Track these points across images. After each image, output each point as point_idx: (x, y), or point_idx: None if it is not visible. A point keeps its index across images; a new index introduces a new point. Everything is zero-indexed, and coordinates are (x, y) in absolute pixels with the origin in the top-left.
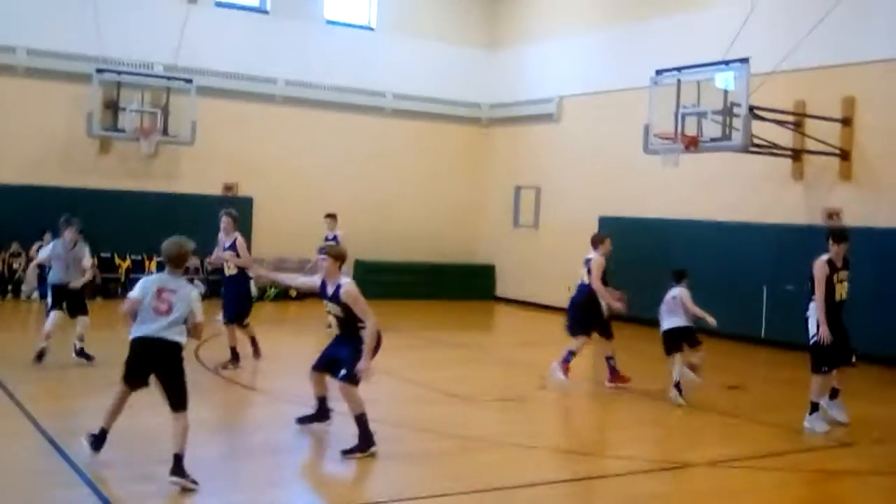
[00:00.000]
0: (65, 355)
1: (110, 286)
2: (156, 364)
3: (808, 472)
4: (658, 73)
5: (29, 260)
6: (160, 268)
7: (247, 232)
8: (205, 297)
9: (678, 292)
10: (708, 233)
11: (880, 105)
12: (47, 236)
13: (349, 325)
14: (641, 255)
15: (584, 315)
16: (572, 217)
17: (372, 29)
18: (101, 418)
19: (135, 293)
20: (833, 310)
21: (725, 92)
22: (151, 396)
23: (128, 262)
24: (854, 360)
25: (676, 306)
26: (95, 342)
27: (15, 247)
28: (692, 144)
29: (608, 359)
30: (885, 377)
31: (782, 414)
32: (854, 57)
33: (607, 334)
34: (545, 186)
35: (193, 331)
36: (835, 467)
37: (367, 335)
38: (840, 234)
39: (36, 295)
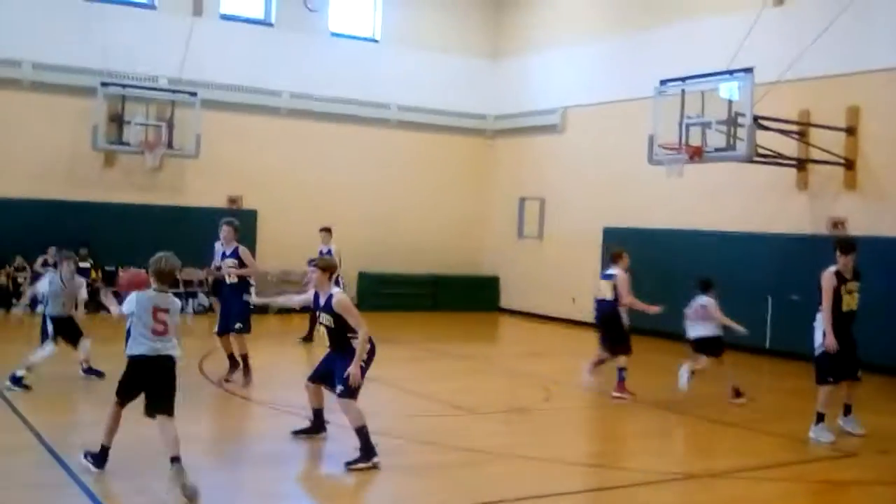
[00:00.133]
0: (66, 368)
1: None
2: (154, 379)
3: (813, 482)
4: (662, 83)
5: (33, 274)
6: None
7: (251, 245)
8: (208, 310)
9: (706, 301)
10: (712, 243)
11: (885, 114)
12: (51, 250)
13: (341, 336)
14: (646, 266)
15: (619, 331)
16: (577, 228)
17: (376, 41)
18: (101, 436)
19: (127, 309)
20: (840, 321)
21: (730, 102)
22: None
23: None
24: (860, 374)
25: (706, 315)
26: (99, 357)
27: (19, 261)
28: (696, 154)
29: (620, 370)
30: (891, 387)
31: (787, 424)
32: (858, 66)
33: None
34: (549, 197)
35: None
36: (840, 478)
37: (359, 342)
38: (847, 245)
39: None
